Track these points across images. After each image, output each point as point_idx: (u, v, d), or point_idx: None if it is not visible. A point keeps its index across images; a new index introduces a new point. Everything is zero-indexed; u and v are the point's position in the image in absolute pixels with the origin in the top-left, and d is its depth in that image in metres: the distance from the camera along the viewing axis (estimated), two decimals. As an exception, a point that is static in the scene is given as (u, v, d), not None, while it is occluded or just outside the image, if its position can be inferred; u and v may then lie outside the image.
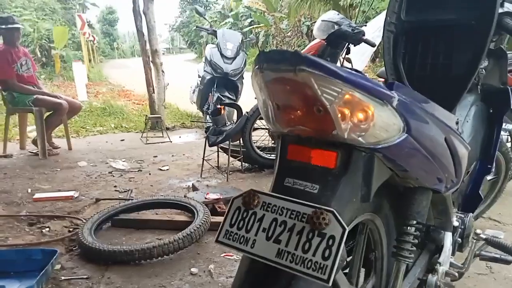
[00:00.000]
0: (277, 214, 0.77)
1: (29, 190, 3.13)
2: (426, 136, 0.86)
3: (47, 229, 2.44)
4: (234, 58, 4.70)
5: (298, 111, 0.76)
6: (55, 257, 1.86)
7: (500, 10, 1.47)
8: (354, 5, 13.60)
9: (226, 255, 2.12)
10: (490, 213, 2.59)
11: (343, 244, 0.69)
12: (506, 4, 1.60)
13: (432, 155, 0.90)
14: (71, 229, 2.44)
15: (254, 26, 20.34)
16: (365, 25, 3.44)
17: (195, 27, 6.54)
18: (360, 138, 0.75)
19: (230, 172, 3.60)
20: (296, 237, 0.73)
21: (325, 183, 0.78)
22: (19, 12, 13.79)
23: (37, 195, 2.97)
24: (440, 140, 0.94)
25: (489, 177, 2.34)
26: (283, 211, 0.77)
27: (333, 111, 0.71)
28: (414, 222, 1.06)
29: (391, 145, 0.78)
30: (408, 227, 1.06)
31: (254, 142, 3.71)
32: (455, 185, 1.12)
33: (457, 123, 1.12)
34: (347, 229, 0.70)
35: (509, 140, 2.79)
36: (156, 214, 2.66)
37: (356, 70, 0.76)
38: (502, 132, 2.62)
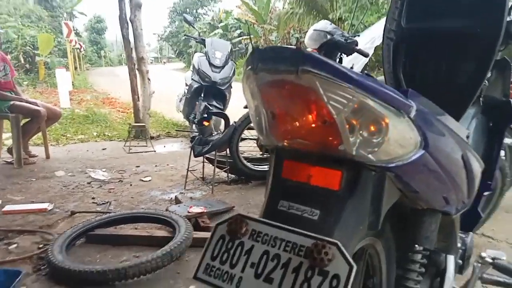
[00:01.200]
0: (269, 245, 0.63)
1: (0, 202, 2.92)
2: (443, 153, 0.75)
3: (15, 245, 2.24)
4: (222, 67, 4.61)
5: (298, 121, 0.63)
6: (18, 279, 1.68)
7: (508, 19, 1.39)
8: (343, 18, 13.73)
9: (209, 276, 1.96)
10: (483, 229, 2.50)
11: (350, 287, 0.56)
12: (514, 12, 1.52)
13: (448, 173, 0.78)
14: (41, 246, 2.25)
15: (244, 37, 20.38)
16: (358, 35, 3.37)
17: (183, 37, 6.43)
18: (370, 155, 0.62)
19: (216, 184, 3.46)
20: (292, 276, 0.60)
21: (327, 208, 0.65)
22: (4, 19, 13.57)
23: (7, 207, 2.77)
24: (457, 157, 0.82)
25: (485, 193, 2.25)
26: (276, 242, 0.63)
27: (341, 122, 0.59)
28: (421, 248, 0.94)
29: (406, 163, 0.66)
30: (415, 254, 0.93)
31: (242, 153, 3.58)
32: (466, 206, 1.00)
33: (467, 137, 1.01)
34: (355, 267, 0.57)
35: (503, 154, 2.72)
36: (136, 229, 2.49)
37: (367, 74, 0.63)
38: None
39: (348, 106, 0.58)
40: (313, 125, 0.62)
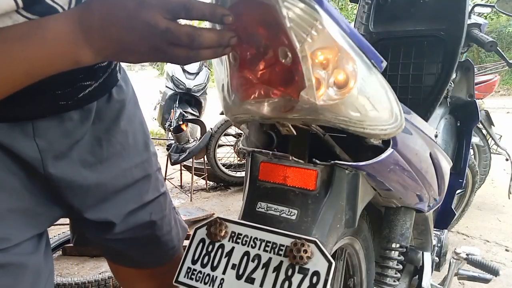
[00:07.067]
0: (249, 246, 0.65)
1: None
2: (412, 151, 0.78)
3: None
4: (197, 74, 4.60)
5: (260, 62, 0.59)
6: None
7: (468, 22, 1.46)
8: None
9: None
10: (458, 227, 2.59)
11: (329, 282, 0.58)
12: (473, 16, 1.60)
13: (418, 171, 0.82)
14: (15, 261, 2.19)
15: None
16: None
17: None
18: (334, 108, 0.58)
19: (194, 191, 3.44)
20: (273, 275, 0.61)
21: (304, 207, 0.67)
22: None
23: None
24: (425, 155, 0.85)
25: (458, 191, 2.34)
26: (256, 243, 0.64)
27: (303, 53, 0.53)
28: (398, 245, 0.97)
29: (376, 162, 0.68)
30: (392, 252, 0.97)
31: (219, 159, 3.58)
32: (438, 204, 1.04)
33: (436, 136, 1.05)
34: (334, 263, 0.59)
35: (472, 153, 2.82)
36: (113, 239, 2.45)
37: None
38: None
39: (312, 35, 0.53)
40: (276, 69, 0.58)
